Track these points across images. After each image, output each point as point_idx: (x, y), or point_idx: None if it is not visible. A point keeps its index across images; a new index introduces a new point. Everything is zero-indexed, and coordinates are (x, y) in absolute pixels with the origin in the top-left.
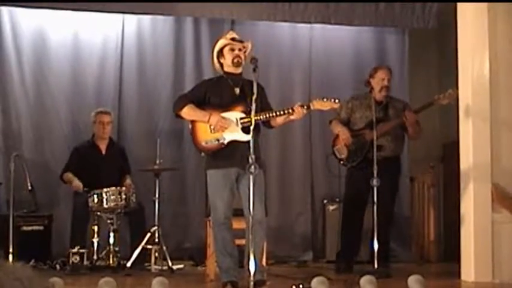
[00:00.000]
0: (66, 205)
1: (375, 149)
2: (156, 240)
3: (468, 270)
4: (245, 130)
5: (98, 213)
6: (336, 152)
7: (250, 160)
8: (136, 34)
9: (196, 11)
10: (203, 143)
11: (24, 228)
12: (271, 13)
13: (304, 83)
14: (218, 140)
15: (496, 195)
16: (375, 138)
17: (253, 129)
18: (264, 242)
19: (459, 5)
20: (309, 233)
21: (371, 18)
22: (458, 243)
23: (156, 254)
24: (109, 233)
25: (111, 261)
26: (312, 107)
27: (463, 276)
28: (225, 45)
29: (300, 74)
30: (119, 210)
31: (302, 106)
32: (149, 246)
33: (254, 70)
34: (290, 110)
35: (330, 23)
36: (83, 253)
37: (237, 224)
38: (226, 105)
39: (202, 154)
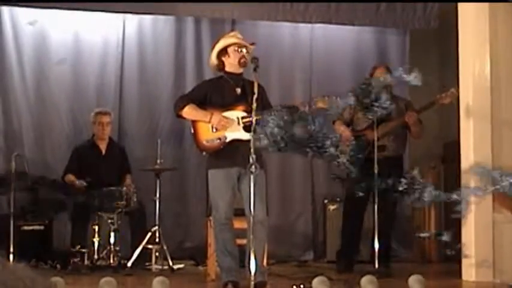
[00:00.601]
0: (67, 205)
1: (375, 149)
2: (157, 239)
3: (469, 270)
4: (246, 129)
5: (99, 213)
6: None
7: (251, 160)
8: (137, 34)
9: (197, 10)
10: (204, 142)
11: (25, 227)
12: (272, 13)
13: (305, 83)
14: (220, 139)
15: (496, 195)
16: (375, 138)
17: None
18: (265, 243)
19: (460, 5)
20: (310, 233)
21: (372, 18)
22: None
23: (157, 254)
24: (110, 232)
25: (111, 261)
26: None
27: (464, 276)
28: (230, 44)
29: (301, 74)
30: (120, 210)
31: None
32: (150, 246)
33: (255, 70)
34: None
35: (331, 23)
36: (84, 253)
37: (238, 224)
38: (227, 105)
39: (204, 154)
